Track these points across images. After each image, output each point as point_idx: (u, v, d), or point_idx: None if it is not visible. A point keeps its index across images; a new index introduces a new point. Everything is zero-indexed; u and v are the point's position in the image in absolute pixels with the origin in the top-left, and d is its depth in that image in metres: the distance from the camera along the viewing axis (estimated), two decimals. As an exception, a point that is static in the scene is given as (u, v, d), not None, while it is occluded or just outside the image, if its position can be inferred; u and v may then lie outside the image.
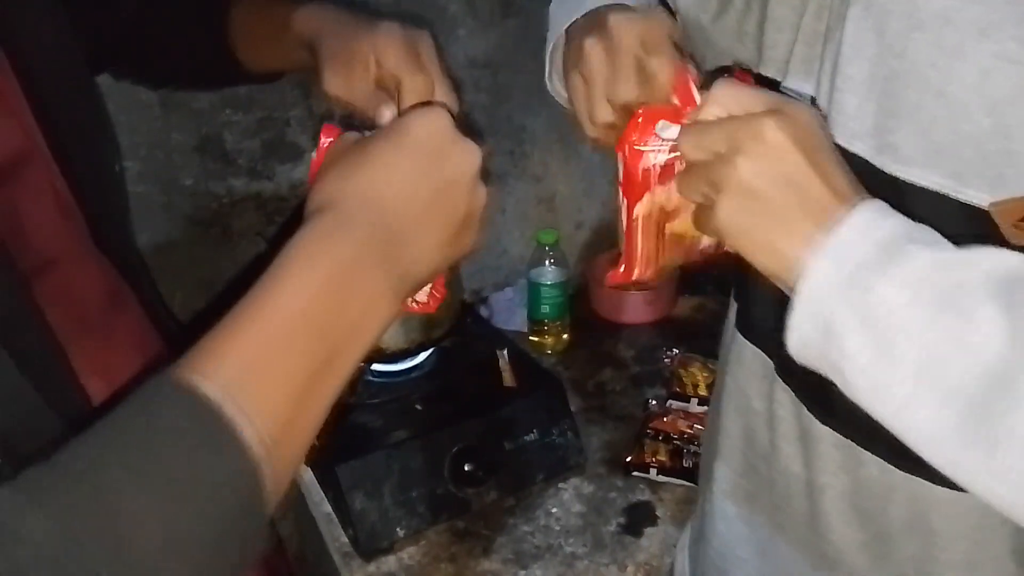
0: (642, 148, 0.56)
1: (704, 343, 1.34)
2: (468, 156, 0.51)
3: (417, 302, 0.59)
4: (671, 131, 0.55)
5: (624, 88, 0.58)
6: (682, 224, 0.59)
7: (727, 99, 0.51)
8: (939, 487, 0.60)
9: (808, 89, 0.62)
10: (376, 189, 0.48)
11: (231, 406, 0.40)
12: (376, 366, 1.15)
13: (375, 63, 0.65)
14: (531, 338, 1.39)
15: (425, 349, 1.15)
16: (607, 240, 1.56)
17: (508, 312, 1.45)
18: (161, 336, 0.73)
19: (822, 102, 0.61)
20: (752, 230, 0.50)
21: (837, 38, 0.58)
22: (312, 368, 0.44)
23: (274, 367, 0.43)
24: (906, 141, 0.55)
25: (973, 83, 0.50)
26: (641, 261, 0.58)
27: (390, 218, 0.48)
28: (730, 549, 0.84)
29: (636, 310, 1.45)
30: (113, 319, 0.66)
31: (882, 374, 0.47)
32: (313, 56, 0.69)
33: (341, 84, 0.67)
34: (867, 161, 0.57)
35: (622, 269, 0.59)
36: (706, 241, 0.60)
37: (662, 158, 0.56)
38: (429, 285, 0.59)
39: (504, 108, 1.40)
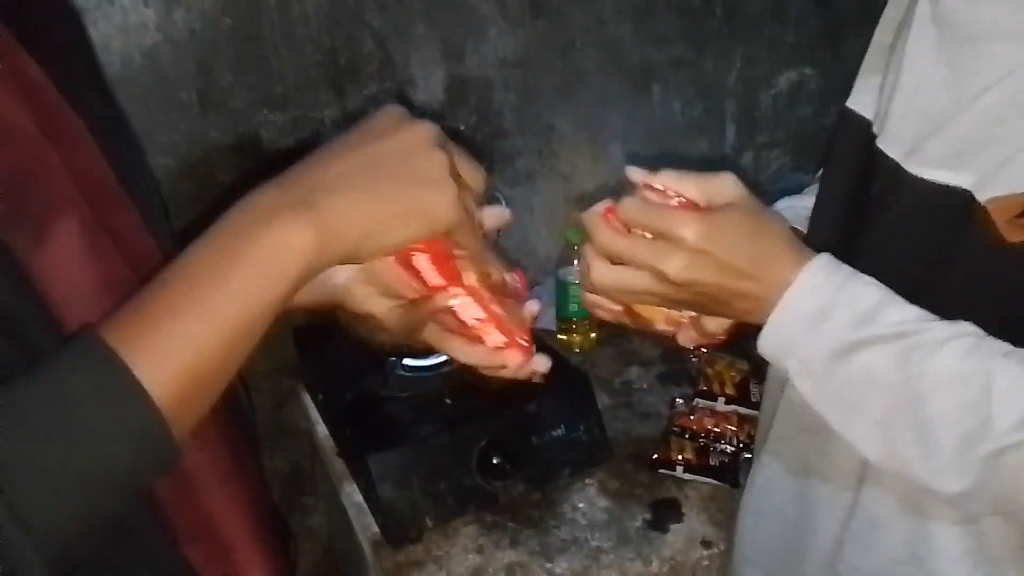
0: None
1: (731, 343, 1.34)
2: (417, 130, 0.54)
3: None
4: None
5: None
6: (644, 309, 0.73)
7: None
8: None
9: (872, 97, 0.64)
10: (313, 158, 0.53)
11: (133, 357, 0.44)
12: (407, 360, 1.17)
13: None
14: (559, 336, 1.41)
15: (455, 344, 1.17)
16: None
17: (536, 310, 1.46)
18: None
19: (881, 110, 0.62)
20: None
21: (899, 49, 0.59)
22: (217, 307, 0.47)
23: (176, 318, 0.46)
24: (933, 145, 0.56)
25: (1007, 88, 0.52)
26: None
27: (317, 171, 0.52)
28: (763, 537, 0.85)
29: (663, 309, 1.45)
30: None
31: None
32: None
33: None
34: (898, 165, 0.58)
35: None
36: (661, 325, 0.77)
37: None
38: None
39: (533, 107, 1.42)
